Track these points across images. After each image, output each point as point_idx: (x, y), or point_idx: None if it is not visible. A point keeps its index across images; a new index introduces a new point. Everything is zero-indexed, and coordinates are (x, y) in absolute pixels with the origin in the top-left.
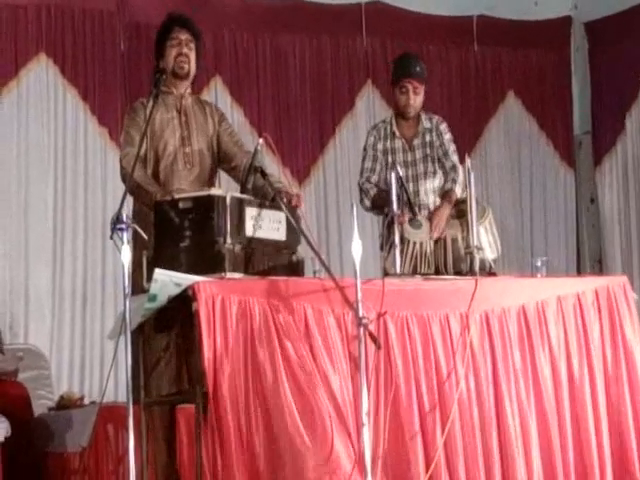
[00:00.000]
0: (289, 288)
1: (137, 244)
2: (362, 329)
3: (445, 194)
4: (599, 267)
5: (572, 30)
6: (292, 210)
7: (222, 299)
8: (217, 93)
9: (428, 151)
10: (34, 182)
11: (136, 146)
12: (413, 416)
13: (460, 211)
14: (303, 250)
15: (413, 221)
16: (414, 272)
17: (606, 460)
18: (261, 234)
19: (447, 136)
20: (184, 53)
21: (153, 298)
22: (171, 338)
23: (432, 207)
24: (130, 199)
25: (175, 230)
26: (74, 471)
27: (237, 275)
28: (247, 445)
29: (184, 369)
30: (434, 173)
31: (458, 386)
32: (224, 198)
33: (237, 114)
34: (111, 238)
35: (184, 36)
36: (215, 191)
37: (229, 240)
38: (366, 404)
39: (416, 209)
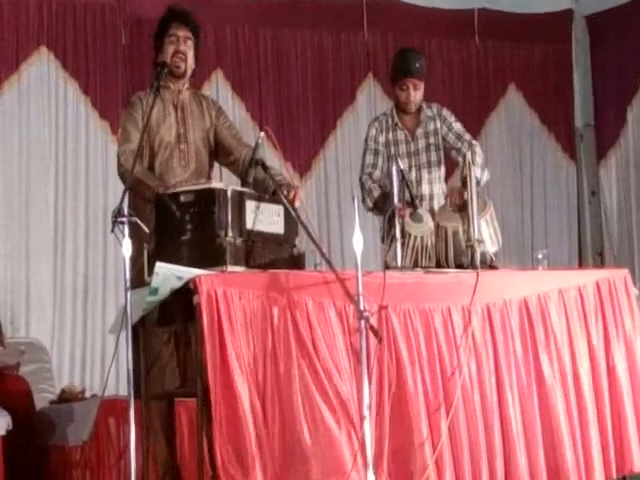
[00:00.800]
0: (290, 281)
1: (136, 238)
2: (363, 322)
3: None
4: (600, 260)
5: (573, 23)
6: (291, 202)
7: (223, 292)
8: (218, 87)
9: (431, 140)
10: (35, 176)
11: (133, 142)
12: (417, 408)
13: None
14: (304, 243)
15: (414, 215)
16: (415, 265)
17: (610, 450)
18: (261, 227)
19: (452, 118)
20: (181, 51)
21: (154, 291)
22: (172, 331)
23: (436, 196)
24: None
25: (176, 223)
26: (75, 464)
27: (238, 268)
28: (253, 436)
29: (185, 362)
30: (437, 162)
31: (460, 379)
32: (225, 191)
33: (238, 108)
34: (112, 231)
35: (182, 33)
36: (216, 184)
37: (230, 233)
38: (367, 397)
39: (417, 202)
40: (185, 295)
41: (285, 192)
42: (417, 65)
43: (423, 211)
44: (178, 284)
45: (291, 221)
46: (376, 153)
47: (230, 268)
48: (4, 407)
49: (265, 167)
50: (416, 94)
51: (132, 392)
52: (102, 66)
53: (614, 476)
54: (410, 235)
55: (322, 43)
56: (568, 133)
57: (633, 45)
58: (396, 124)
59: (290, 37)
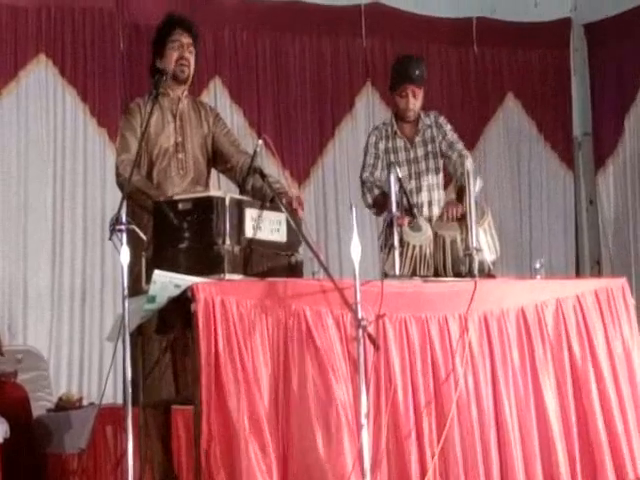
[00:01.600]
0: (288, 289)
1: (134, 245)
2: (361, 331)
3: (460, 190)
4: (598, 268)
5: (571, 32)
6: (293, 211)
7: (221, 300)
8: (216, 94)
9: (430, 148)
10: (34, 182)
11: (131, 151)
12: (411, 418)
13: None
14: (302, 251)
15: (413, 224)
16: (413, 274)
17: (606, 460)
18: (261, 235)
19: (448, 127)
20: (185, 57)
21: (152, 299)
22: (170, 339)
23: (435, 203)
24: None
25: (174, 231)
26: (73, 472)
27: (236, 276)
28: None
29: (182, 370)
30: (436, 169)
31: (457, 387)
32: (223, 199)
33: (236, 115)
34: (110, 239)
35: (186, 40)
36: (214, 192)
37: (228, 241)
38: (365, 405)
39: (416, 211)
40: (183, 303)
41: (285, 201)
42: (417, 72)
43: (422, 220)
44: (176, 292)
45: (294, 229)
46: (377, 157)
47: (228, 276)
48: (2, 415)
49: (263, 175)
50: (415, 102)
51: (129, 400)
52: (100, 73)
53: None
54: (409, 244)
55: (321, 50)
56: (566, 142)
57: (631, 54)
58: (395, 132)
59: (289, 44)
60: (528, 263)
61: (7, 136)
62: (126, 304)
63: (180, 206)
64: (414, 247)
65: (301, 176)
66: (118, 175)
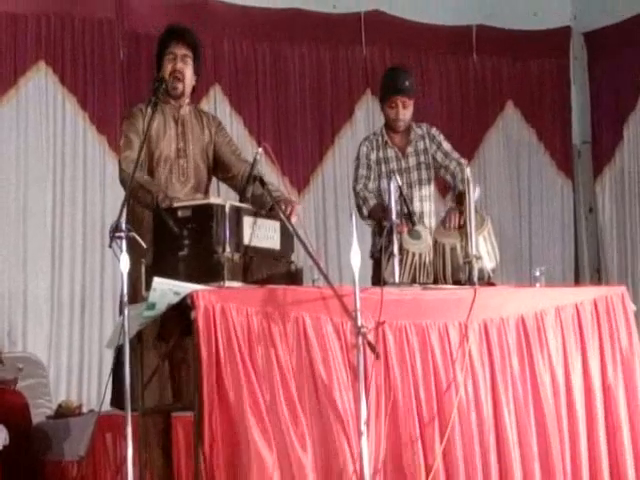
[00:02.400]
0: (288, 297)
1: (134, 252)
2: (361, 338)
3: (459, 196)
4: (597, 276)
5: (571, 40)
6: (288, 218)
7: (221, 308)
8: (216, 102)
9: (422, 158)
10: (33, 190)
11: (135, 149)
12: (411, 425)
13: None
14: (302, 258)
15: (412, 232)
16: (413, 282)
17: (603, 469)
18: (257, 243)
19: (441, 137)
20: (177, 69)
21: (152, 307)
22: (169, 347)
23: (426, 215)
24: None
25: (174, 239)
26: (72, 479)
27: (236, 284)
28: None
29: (182, 378)
30: (428, 180)
31: (457, 395)
32: (223, 207)
33: (236, 123)
34: (110, 246)
35: (180, 51)
36: (214, 200)
37: (228, 249)
38: (365, 413)
39: (415, 219)
40: (182, 310)
41: (283, 207)
42: (406, 83)
43: (421, 228)
44: (175, 299)
45: (287, 237)
46: (369, 168)
47: (227, 283)
48: (1, 422)
49: (263, 183)
50: (405, 112)
51: (129, 407)
52: (100, 81)
53: None
54: (408, 252)
55: (320, 58)
56: (565, 150)
57: (631, 62)
58: (386, 142)
59: (288, 52)
60: (528, 271)
61: (7, 143)
62: (126, 311)
63: (180, 213)
64: (413, 255)
65: (301, 184)
66: (121, 171)
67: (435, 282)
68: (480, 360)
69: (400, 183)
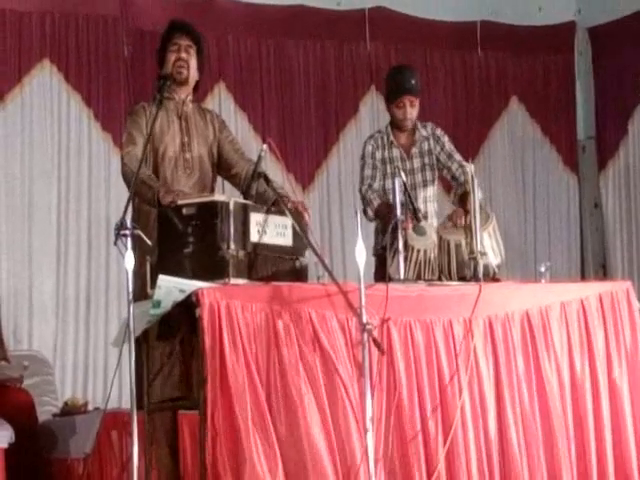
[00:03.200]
0: (293, 293)
1: (139, 249)
2: (366, 335)
3: (462, 197)
4: (603, 272)
5: (576, 35)
6: (297, 215)
7: (226, 305)
8: (221, 99)
9: (426, 160)
10: (38, 188)
11: (138, 145)
12: (416, 422)
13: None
14: (307, 255)
15: (417, 228)
16: (418, 278)
17: (608, 465)
18: (267, 240)
19: (445, 138)
20: (182, 58)
21: (157, 304)
22: (175, 344)
23: (429, 215)
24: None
25: (179, 236)
26: (78, 477)
27: (241, 281)
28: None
29: (188, 375)
30: (432, 181)
31: (461, 391)
32: (227, 204)
33: (241, 120)
34: (115, 244)
35: (184, 42)
36: (218, 197)
37: (233, 246)
38: (370, 409)
39: (420, 215)
40: (188, 308)
41: (290, 205)
42: (412, 82)
43: (426, 224)
44: (180, 297)
45: (299, 233)
46: (374, 167)
47: (232, 281)
48: (7, 420)
49: (267, 179)
50: (412, 111)
51: (135, 404)
52: (105, 78)
53: None
54: (413, 248)
55: (325, 55)
56: (570, 145)
57: (635, 57)
58: (391, 142)
59: (293, 48)
60: (533, 267)
61: (12, 141)
62: (131, 309)
63: (184, 211)
64: (418, 251)
65: (305, 180)
66: (123, 164)
67: (440, 278)
68: (485, 356)
69: (405, 181)
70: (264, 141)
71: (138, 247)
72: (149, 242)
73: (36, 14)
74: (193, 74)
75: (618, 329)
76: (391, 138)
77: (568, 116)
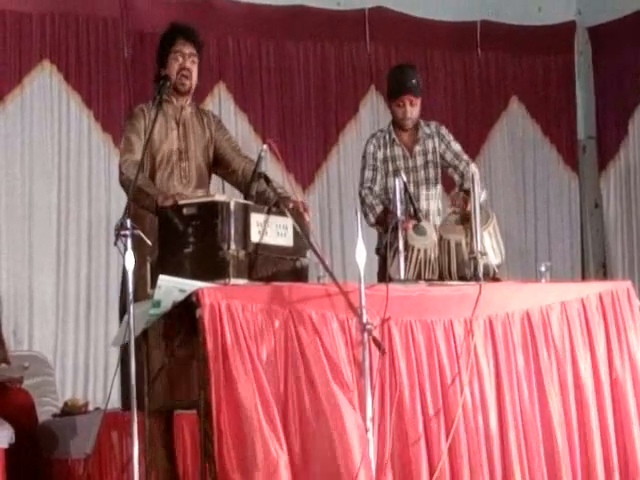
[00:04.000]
0: (293, 294)
1: (139, 250)
2: (366, 335)
3: (467, 193)
4: (603, 272)
5: (576, 35)
6: (298, 216)
7: (227, 305)
8: (221, 100)
9: (429, 157)
10: (38, 188)
11: (135, 153)
12: (417, 421)
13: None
14: (308, 255)
15: (417, 227)
16: (418, 278)
17: (613, 466)
18: (268, 240)
19: (451, 137)
20: (187, 67)
21: (157, 304)
22: (175, 344)
23: (432, 213)
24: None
25: (179, 236)
26: (78, 478)
27: (241, 281)
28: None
29: (188, 376)
30: (435, 179)
31: (462, 391)
32: (228, 204)
33: (241, 121)
34: (115, 244)
35: (188, 50)
36: (219, 197)
37: (233, 246)
38: (370, 410)
39: (421, 215)
40: (188, 308)
41: (291, 205)
42: (413, 81)
43: (426, 224)
44: (181, 297)
45: (299, 233)
46: (374, 169)
47: (233, 281)
48: (7, 420)
49: (268, 180)
50: (413, 110)
51: (135, 405)
52: (105, 79)
53: None
54: (413, 248)
55: (325, 55)
56: (570, 145)
57: (636, 57)
58: (394, 140)
59: (292, 49)
60: (533, 266)
61: (12, 142)
62: (132, 309)
63: (185, 211)
64: (419, 251)
65: (305, 181)
66: (121, 173)
67: (440, 278)
68: (485, 356)
69: (406, 181)
70: (264, 142)
71: (138, 247)
72: (149, 243)
73: (36, 15)
74: (194, 83)
75: (619, 328)
76: (393, 136)
77: (568, 116)
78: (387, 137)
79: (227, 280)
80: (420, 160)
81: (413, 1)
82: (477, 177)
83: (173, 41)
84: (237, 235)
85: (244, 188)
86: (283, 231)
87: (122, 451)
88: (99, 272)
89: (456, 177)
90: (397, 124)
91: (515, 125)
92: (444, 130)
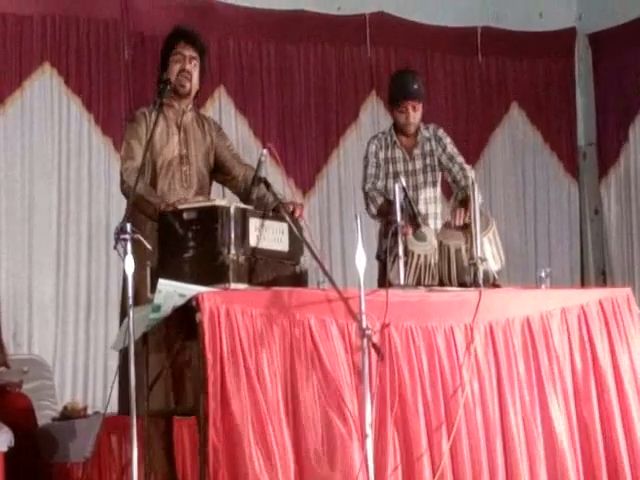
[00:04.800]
0: (293, 299)
1: (138, 254)
2: (365, 340)
3: (462, 202)
4: (603, 278)
5: (576, 41)
6: (295, 220)
7: (226, 310)
8: (221, 103)
9: (428, 161)
10: (38, 191)
11: (136, 159)
12: (419, 427)
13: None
14: (306, 260)
15: (417, 233)
16: (418, 284)
17: (617, 473)
18: (265, 245)
19: (448, 140)
20: (187, 70)
21: (157, 308)
22: (174, 349)
23: (431, 217)
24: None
25: (179, 240)
26: None
27: (241, 286)
28: (257, 457)
29: (187, 380)
30: (434, 183)
31: (463, 397)
32: (228, 209)
33: (241, 125)
34: (115, 248)
35: (188, 52)
36: (219, 202)
37: (233, 251)
38: (369, 415)
39: (420, 220)
40: (187, 312)
41: (291, 209)
42: (415, 87)
43: (426, 229)
44: (180, 301)
45: (296, 238)
46: (377, 166)
47: (233, 285)
48: (6, 424)
49: (267, 184)
50: (415, 116)
51: (134, 409)
52: (105, 82)
53: None
54: (413, 253)
55: (325, 60)
56: (570, 151)
57: (636, 63)
58: (394, 142)
59: (293, 53)
60: (533, 272)
61: (12, 144)
62: (131, 313)
63: (185, 215)
64: (419, 256)
65: (305, 185)
66: (122, 182)
67: (440, 284)
68: (486, 362)
69: (405, 185)
70: (264, 146)
71: (138, 251)
72: (149, 247)
73: (37, 18)
74: (195, 85)
75: (621, 335)
76: (394, 138)
77: (569, 122)
78: (388, 139)
79: (227, 285)
80: (419, 163)
81: (414, 6)
82: (473, 180)
83: (175, 44)
84: (237, 240)
85: (244, 194)
86: (279, 236)
87: (121, 455)
88: (99, 274)
89: (449, 182)
90: (398, 129)
91: (515, 130)
92: (441, 132)
